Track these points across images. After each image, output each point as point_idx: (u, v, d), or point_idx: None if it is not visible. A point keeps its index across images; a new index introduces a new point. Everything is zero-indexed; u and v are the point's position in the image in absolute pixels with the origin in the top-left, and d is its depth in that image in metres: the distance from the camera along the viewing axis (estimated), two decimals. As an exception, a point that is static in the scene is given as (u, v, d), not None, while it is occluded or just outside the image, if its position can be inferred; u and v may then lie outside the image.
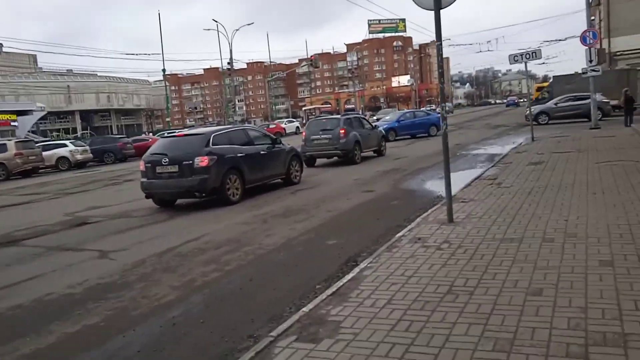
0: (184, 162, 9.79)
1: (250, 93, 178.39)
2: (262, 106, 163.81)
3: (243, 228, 7.90)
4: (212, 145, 10.09)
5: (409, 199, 9.54)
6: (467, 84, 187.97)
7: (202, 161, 9.74)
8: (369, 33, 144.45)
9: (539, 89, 62.79)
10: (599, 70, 20.21)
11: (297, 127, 50.10)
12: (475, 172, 11.93)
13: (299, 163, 12.81)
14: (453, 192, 9.27)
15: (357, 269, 4.96)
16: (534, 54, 17.45)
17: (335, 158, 16.52)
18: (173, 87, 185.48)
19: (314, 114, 69.10)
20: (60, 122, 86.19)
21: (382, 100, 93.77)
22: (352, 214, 8.47)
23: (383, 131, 18.85)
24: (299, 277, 5.27)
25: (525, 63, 17.78)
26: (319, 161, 17.11)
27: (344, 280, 4.66)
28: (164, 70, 55.81)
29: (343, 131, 15.86)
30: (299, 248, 6.46)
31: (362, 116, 18.96)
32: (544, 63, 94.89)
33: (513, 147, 16.10)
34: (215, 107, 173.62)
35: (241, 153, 10.61)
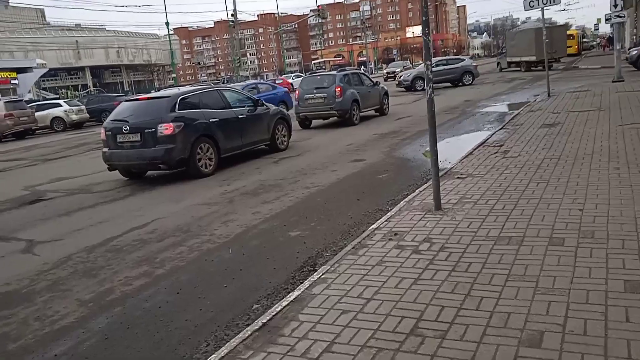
0: (147, 130, 8.65)
1: (262, 46, 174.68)
2: (274, 60, 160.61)
3: (202, 211, 6.81)
4: (179, 109, 8.90)
5: (401, 171, 8.33)
6: (485, 33, 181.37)
7: (166, 129, 8.58)
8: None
9: (558, 38, 59.87)
10: (624, 16, 18.31)
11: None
12: (480, 135, 10.64)
13: (286, 127, 11.59)
14: (451, 162, 8.11)
15: (307, 282, 3.85)
16: (552, -1, 15.64)
17: (334, 118, 15.22)
18: (184, 41, 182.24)
19: (323, 67, 66.99)
20: (71, 78, 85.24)
21: (394, 52, 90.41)
22: (332, 191, 7.32)
23: (385, 88, 17.37)
24: (239, 288, 4.19)
25: (542, 8, 16.01)
26: (315, 122, 15.85)
27: (286, 301, 3.57)
28: (167, 23, 53.92)
29: (339, 89, 14.49)
30: (254, 241, 5.36)
31: (362, 72, 17.46)
32: (564, 10, 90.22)
33: (526, 104, 14.63)
34: (226, 61, 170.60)
35: (214, 118, 9.42)
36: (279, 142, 11.29)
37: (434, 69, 23.23)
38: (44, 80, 79.54)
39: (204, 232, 5.80)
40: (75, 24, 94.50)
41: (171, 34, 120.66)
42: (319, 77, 15.69)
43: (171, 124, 8.58)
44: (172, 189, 8.52)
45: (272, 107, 11.50)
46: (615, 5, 17.83)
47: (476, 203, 5.42)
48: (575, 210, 4.79)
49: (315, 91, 14.81)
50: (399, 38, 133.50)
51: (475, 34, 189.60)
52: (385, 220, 5.18)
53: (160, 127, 8.56)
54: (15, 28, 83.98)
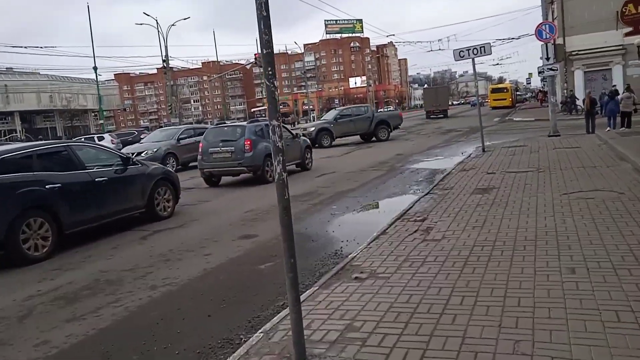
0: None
1: (206, 93, 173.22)
2: (218, 106, 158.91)
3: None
4: (-4, 174, 6.56)
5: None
6: (425, 85, 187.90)
7: (-34, 203, 6.21)
8: (326, 33, 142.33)
9: (493, 90, 61.40)
10: (557, 69, 17.59)
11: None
12: (403, 202, 8.82)
13: (171, 190, 9.38)
14: (358, 244, 6.16)
15: None
16: (482, 48, 14.58)
17: (248, 174, 13.12)
18: (125, 87, 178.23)
19: (263, 115, 65.52)
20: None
21: (336, 101, 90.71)
22: (183, 296, 5.13)
23: (308, 140, 15.57)
24: None
25: (473, 59, 14.90)
26: (225, 179, 13.72)
27: None
28: (95, 68, 51.03)
29: (248, 142, 12.51)
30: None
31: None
32: (497, 64, 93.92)
33: (460, 161, 13.13)
34: (168, 107, 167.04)
35: (55, 183, 7.11)
36: (159, 208, 9.06)
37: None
38: (-34, 125, 74.37)
39: None
40: (7, 68, 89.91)
41: (110, 80, 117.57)
42: (226, 128, 13.68)
43: (-24, 194, 6.22)
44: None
45: (152, 166, 9.31)
46: (548, 58, 17.09)
47: (365, 343, 3.39)
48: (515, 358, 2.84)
49: (221, 144, 12.75)
50: (342, 88, 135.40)
51: (416, 85, 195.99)
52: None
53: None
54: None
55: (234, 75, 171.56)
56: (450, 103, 58.90)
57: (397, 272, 4.81)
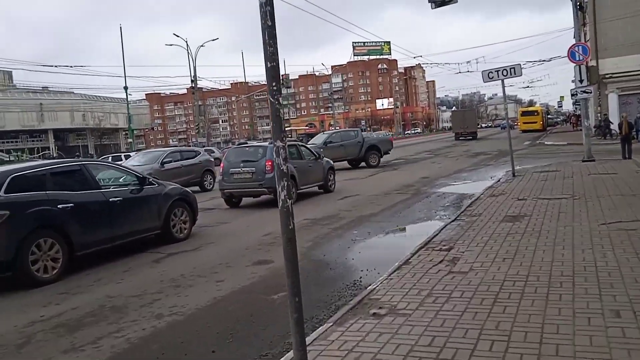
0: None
1: (234, 114, 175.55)
2: (246, 127, 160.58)
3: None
4: (7, 192, 6.41)
5: (308, 287, 5.89)
6: (453, 107, 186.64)
7: (-28, 221, 6.05)
8: (354, 55, 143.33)
9: (524, 114, 60.34)
10: (591, 92, 16.97)
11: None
12: (427, 228, 8.39)
13: (188, 211, 9.15)
14: (378, 274, 5.75)
15: None
16: (512, 70, 14.13)
17: (269, 196, 12.84)
18: (156, 106, 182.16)
19: (289, 136, 65.78)
20: (33, 140, 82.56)
21: (362, 122, 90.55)
22: (189, 327, 4.81)
23: (331, 162, 15.24)
24: None
25: (502, 81, 14.44)
26: (246, 200, 13.47)
27: None
28: (125, 87, 52.09)
29: (269, 164, 12.25)
30: None
31: (301, 144, 15.36)
32: (528, 87, 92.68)
33: (489, 186, 12.61)
34: (196, 127, 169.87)
35: (67, 203, 6.94)
36: (175, 230, 8.81)
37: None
38: (3, 142, 76.82)
39: None
40: (43, 87, 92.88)
41: (142, 100, 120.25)
42: (247, 148, 13.48)
43: (-11, 212, 6.06)
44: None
45: (170, 186, 9.11)
46: (581, 80, 16.50)
47: (379, 395, 2.99)
48: None
49: (242, 165, 12.54)
50: (369, 109, 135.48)
51: (444, 107, 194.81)
52: None
53: (-34, 218, 6.02)
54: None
55: (261, 96, 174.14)
56: (479, 125, 60.37)
57: (419, 309, 4.39)
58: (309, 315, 4.83)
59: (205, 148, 32.68)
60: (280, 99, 2.87)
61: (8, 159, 54.21)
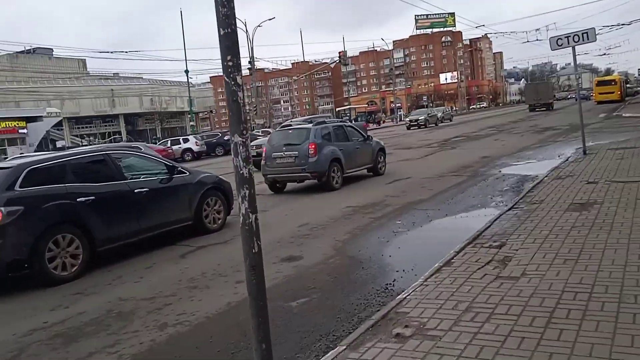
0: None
1: (296, 93, 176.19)
2: (307, 106, 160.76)
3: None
4: (23, 186, 6.13)
5: (334, 291, 5.22)
6: (522, 79, 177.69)
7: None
8: (416, 29, 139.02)
9: (599, 83, 56.01)
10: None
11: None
12: (480, 218, 7.48)
13: (222, 200, 8.69)
14: (412, 282, 4.94)
15: None
16: (584, 35, 12.57)
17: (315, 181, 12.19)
18: (220, 89, 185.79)
19: (347, 114, 64.68)
20: (105, 125, 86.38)
21: (424, 98, 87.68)
22: (191, 340, 4.28)
23: (381, 143, 14.33)
24: None
25: (574, 48, 12.92)
26: (290, 185, 12.92)
27: None
28: (186, 71, 53.00)
29: (313, 147, 11.61)
30: None
31: (349, 124, 14.48)
32: (604, 54, 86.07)
33: (555, 166, 11.34)
34: (260, 107, 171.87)
35: (88, 196, 6.61)
36: (208, 220, 8.39)
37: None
38: (79, 127, 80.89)
39: None
40: (114, 74, 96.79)
41: (206, 82, 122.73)
42: (290, 131, 12.84)
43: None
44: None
45: (202, 174, 8.66)
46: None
47: None
48: None
49: (284, 149, 11.96)
50: (432, 84, 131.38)
51: (512, 80, 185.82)
52: None
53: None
54: (59, 77, 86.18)
55: (321, 75, 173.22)
56: (554, 97, 63.09)
57: (453, 330, 3.62)
58: (326, 330, 4.18)
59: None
60: (239, 78, 2.17)
61: (81, 144, 56.65)
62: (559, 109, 51.04)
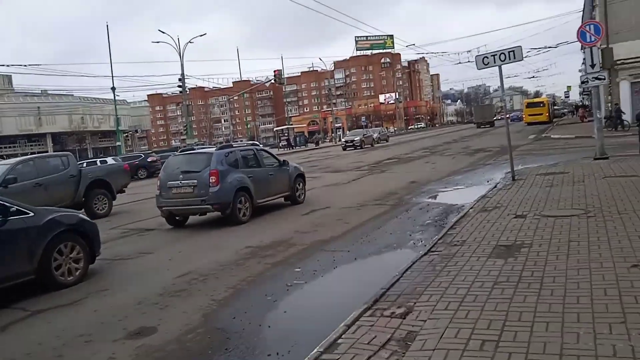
0: None
1: (237, 112, 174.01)
2: (247, 125, 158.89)
3: None
4: None
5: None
6: (458, 100, 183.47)
7: None
8: (356, 50, 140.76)
9: (529, 105, 57.71)
10: (604, 78, 14.60)
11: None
12: (390, 263, 6.18)
13: (82, 245, 6.99)
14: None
15: None
16: (510, 53, 11.85)
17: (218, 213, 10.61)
18: (158, 107, 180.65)
19: (286, 134, 63.40)
20: (31, 145, 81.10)
21: (363, 119, 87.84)
22: None
23: (300, 168, 12.97)
24: None
25: (500, 67, 12.16)
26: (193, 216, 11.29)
27: None
28: (113, 88, 50.10)
29: (214, 174, 10.08)
30: None
31: (261, 148, 13.02)
32: (533, 77, 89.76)
33: (482, 195, 10.35)
34: (199, 127, 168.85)
35: None
36: (60, 272, 6.67)
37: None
38: (0, 147, 75.22)
39: None
40: (42, 90, 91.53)
41: (143, 101, 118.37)
42: (189, 156, 11.25)
43: None
44: None
45: (54, 214, 6.92)
46: (593, 65, 14.15)
47: None
48: None
49: (182, 177, 10.35)
50: (372, 105, 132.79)
51: (449, 101, 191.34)
52: None
53: None
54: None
55: (263, 94, 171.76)
56: (495, 117, 72.46)
57: None
58: None
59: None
60: None
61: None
62: (488, 131, 51.95)
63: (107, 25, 50.09)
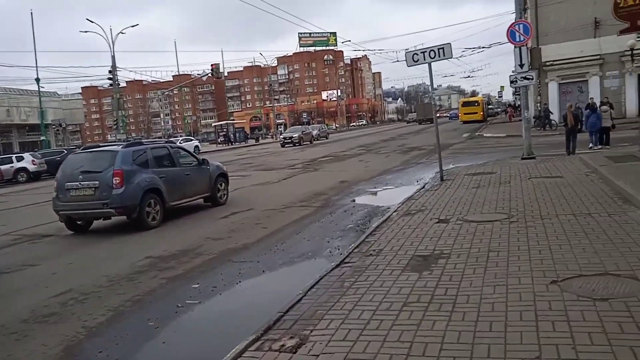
0: None
1: (177, 107, 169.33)
2: (188, 120, 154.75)
3: None
4: None
5: None
6: (399, 98, 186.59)
7: None
8: (300, 46, 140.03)
9: (464, 104, 58.99)
10: (532, 78, 14.61)
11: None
12: (299, 278, 5.49)
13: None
14: None
15: None
16: (440, 50, 11.50)
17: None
18: (93, 100, 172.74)
19: (225, 130, 61.84)
20: (-46, 140, 74.97)
21: (305, 115, 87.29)
22: None
23: (223, 167, 12.08)
24: None
25: (430, 64, 11.79)
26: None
27: None
28: (37, 79, 47.05)
29: (119, 174, 9.07)
30: None
31: (177, 145, 12.04)
32: (469, 77, 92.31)
33: (408, 196, 9.91)
34: (137, 121, 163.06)
35: None
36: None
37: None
38: None
39: None
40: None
41: (77, 93, 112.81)
42: (91, 155, 10.15)
43: None
44: None
45: None
46: (522, 65, 14.10)
47: None
48: None
49: (81, 177, 9.27)
50: (315, 101, 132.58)
51: (390, 99, 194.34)
52: None
53: None
54: None
55: (204, 89, 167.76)
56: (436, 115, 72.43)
57: None
58: None
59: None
60: None
61: None
62: (426, 128, 52.80)
63: (32, 13, 46.82)
